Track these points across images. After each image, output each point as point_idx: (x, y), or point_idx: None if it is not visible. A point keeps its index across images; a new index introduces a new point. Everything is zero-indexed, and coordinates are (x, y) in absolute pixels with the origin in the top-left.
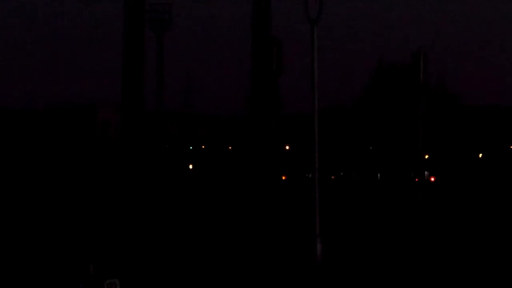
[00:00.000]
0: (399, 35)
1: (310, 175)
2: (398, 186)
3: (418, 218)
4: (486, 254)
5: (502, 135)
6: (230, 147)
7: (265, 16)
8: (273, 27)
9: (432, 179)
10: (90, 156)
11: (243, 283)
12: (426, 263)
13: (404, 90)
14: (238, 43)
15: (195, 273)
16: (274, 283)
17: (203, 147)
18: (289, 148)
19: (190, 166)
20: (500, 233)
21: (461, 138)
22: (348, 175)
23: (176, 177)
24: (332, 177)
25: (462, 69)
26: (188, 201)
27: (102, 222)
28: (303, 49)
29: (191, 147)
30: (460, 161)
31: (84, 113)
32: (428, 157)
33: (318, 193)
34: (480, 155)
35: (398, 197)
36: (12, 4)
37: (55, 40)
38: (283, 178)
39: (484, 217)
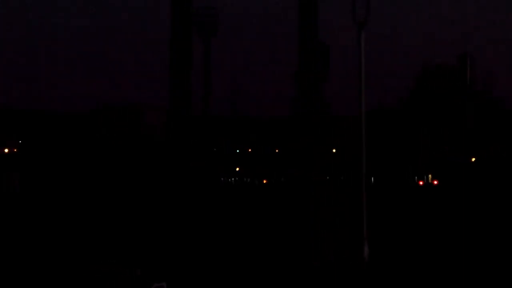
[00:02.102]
0: (444, 36)
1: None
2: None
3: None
4: None
5: None
6: (276, 150)
7: (312, 19)
8: (320, 31)
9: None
10: (136, 159)
11: (296, 282)
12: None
13: (450, 92)
14: (285, 46)
15: (240, 275)
16: (326, 283)
17: (249, 150)
18: (335, 151)
19: (237, 169)
20: None
21: (504, 142)
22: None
23: (223, 181)
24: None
25: (508, 73)
26: (234, 203)
27: (150, 226)
28: (349, 53)
29: (237, 150)
30: (506, 165)
31: (131, 116)
32: (475, 160)
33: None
34: None
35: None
36: (62, 10)
37: (103, 43)
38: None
39: None
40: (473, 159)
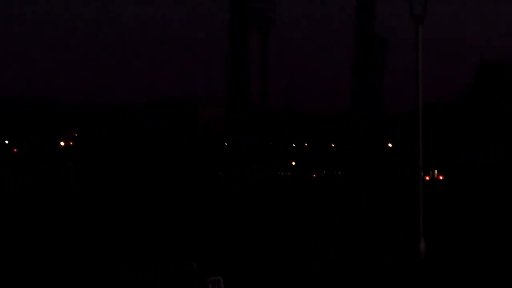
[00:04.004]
0: (502, 30)
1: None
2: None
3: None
4: None
5: None
6: (332, 144)
7: (370, 15)
8: (377, 25)
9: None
10: (192, 152)
11: (352, 278)
12: None
13: (508, 87)
14: (341, 40)
15: (296, 271)
16: (384, 278)
17: (305, 144)
18: (392, 145)
19: (293, 163)
20: None
21: None
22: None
23: (279, 174)
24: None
25: None
26: (290, 197)
27: (206, 220)
28: (407, 47)
29: (293, 145)
30: None
31: (187, 110)
32: None
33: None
34: None
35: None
36: (120, 3)
37: (159, 37)
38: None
39: None
40: None
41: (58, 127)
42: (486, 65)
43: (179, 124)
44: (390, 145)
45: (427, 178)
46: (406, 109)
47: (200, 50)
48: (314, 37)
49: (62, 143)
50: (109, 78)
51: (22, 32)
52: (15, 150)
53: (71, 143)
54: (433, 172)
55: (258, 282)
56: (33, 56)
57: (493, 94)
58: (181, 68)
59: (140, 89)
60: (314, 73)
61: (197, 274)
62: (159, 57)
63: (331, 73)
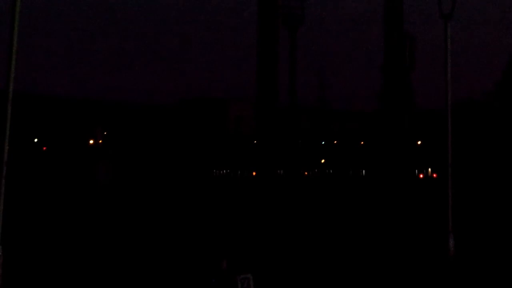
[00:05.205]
0: None
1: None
2: None
3: None
4: None
5: None
6: (362, 142)
7: (398, 11)
8: (406, 22)
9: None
10: (222, 151)
11: (384, 276)
12: None
13: None
14: (370, 37)
15: (328, 269)
16: (414, 275)
17: (335, 142)
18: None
19: (322, 161)
20: None
21: None
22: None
23: (306, 172)
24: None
25: None
26: (319, 195)
27: (235, 217)
28: (435, 44)
29: (323, 142)
30: None
31: (217, 108)
32: None
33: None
34: None
35: None
36: (147, 7)
37: (187, 35)
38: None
39: None
40: None
41: (88, 125)
42: None
43: (208, 122)
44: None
45: (421, 176)
46: (435, 107)
47: (228, 48)
48: (343, 36)
49: (91, 142)
50: (140, 76)
51: (52, 30)
52: (44, 148)
53: (100, 141)
54: (427, 171)
55: (289, 280)
56: (65, 54)
57: None
58: (209, 67)
59: (168, 88)
60: (344, 70)
61: (225, 271)
62: (187, 55)
63: (360, 70)
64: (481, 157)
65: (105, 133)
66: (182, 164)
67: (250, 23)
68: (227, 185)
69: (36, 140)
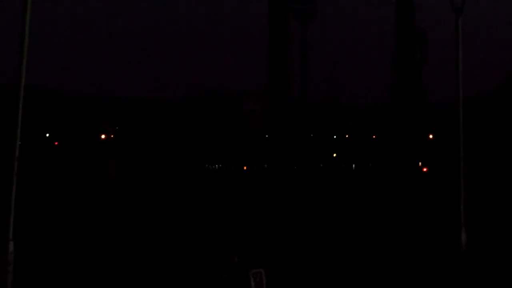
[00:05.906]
0: None
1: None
2: None
3: None
4: None
5: None
6: (374, 136)
7: (409, 6)
8: (417, 17)
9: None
10: (233, 146)
11: (397, 271)
12: None
13: None
14: (381, 32)
15: (339, 263)
16: (425, 269)
17: (346, 136)
18: (432, 138)
19: (334, 155)
20: None
21: None
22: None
23: (317, 166)
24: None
25: None
26: (331, 189)
27: (246, 213)
28: (447, 39)
29: (334, 136)
30: None
31: (228, 103)
32: None
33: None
34: None
35: None
36: (160, 2)
37: (198, 30)
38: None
39: None
40: None
41: (100, 120)
42: None
43: (219, 117)
44: (431, 136)
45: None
46: (446, 102)
47: (238, 42)
48: (355, 29)
49: (103, 136)
50: (151, 72)
51: (63, 27)
52: (56, 143)
53: (112, 136)
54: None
55: (301, 275)
56: (76, 50)
57: None
58: (220, 61)
59: (179, 82)
60: (355, 65)
61: (237, 266)
62: (198, 50)
63: (372, 64)
64: (491, 152)
65: (116, 128)
66: (191, 159)
67: (263, 17)
68: (238, 180)
69: (47, 135)
